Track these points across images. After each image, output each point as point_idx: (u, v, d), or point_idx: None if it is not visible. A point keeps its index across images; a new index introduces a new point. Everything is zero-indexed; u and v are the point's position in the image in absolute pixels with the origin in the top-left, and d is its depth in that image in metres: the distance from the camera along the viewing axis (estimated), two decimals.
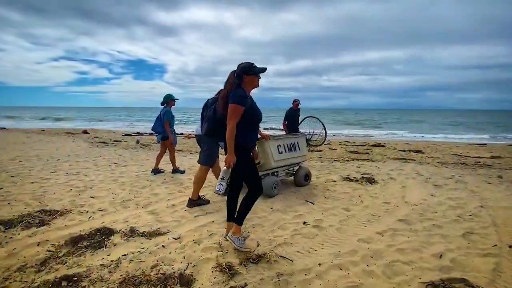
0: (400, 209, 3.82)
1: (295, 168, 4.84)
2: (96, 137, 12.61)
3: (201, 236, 2.83)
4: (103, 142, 10.61)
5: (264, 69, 2.47)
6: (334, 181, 5.25)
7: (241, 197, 2.65)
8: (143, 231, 2.86)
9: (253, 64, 2.45)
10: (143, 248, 2.55)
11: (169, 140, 5.25)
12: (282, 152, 4.28)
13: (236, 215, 2.53)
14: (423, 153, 9.84)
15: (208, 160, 3.64)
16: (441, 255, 2.64)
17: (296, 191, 4.55)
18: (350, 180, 5.33)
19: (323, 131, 5.77)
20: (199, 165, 3.67)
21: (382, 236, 3.02)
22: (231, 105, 2.31)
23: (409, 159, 8.26)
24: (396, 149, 10.65)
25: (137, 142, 10.82)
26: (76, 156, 7.27)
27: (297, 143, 4.61)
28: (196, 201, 3.64)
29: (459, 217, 3.58)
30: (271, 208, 3.69)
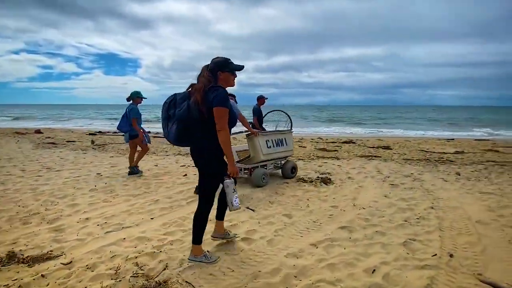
0: (346, 214, 3.52)
1: (283, 162, 5.20)
2: (48, 138, 11.71)
3: (99, 260, 2.39)
4: (52, 143, 9.80)
5: (241, 67, 2.26)
6: (287, 182, 4.92)
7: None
8: (27, 256, 2.38)
9: (229, 60, 2.23)
10: (15, 279, 2.07)
11: (140, 137, 4.94)
12: (270, 147, 4.66)
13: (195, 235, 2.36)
14: (391, 149, 9.76)
15: None
16: (374, 270, 2.34)
17: (243, 195, 4.17)
18: (304, 181, 5.02)
19: (289, 121, 5.84)
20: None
21: (316, 248, 2.69)
22: (219, 108, 2.07)
23: (375, 156, 8.11)
24: (365, 146, 10.54)
25: (92, 142, 10.09)
26: (7, 160, 6.52)
27: (284, 139, 5.01)
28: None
29: (405, 221, 3.33)
30: None
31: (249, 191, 4.40)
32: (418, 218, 3.41)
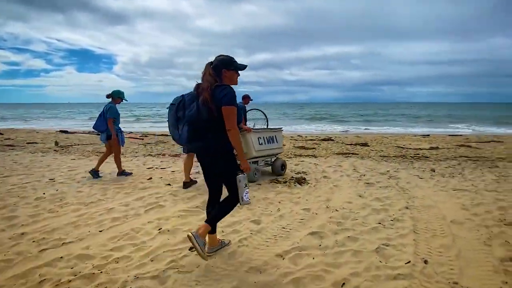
0: (318, 218, 3.29)
1: (273, 159, 5.27)
2: (8, 139, 10.83)
3: (23, 286, 2.00)
4: (10, 145, 9.02)
5: (245, 66, 2.28)
6: (259, 184, 4.64)
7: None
8: None
9: (233, 58, 2.24)
10: None
11: (113, 139, 4.71)
12: (262, 144, 4.83)
13: (211, 217, 2.32)
14: (368, 146, 9.74)
15: None
16: (343, 284, 2.10)
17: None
18: (278, 182, 4.77)
19: (265, 119, 6.36)
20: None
21: (283, 259, 2.43)
22: (228, 107, 2.06)
23: (353, 154, 8.02)
24: (343, 143, 10.49)
25: (56, 144, 9.39)
26: None
27: (275, 136, 5.16)
28: (189, 183, 4.33)
29: (379, 223, 3.14)
30: (159, 230, 2.93)
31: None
32: (392, 220, 3.23)
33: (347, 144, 10.16)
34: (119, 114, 4.86)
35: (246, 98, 6.31)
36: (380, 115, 38.38)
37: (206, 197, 3.93)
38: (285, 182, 4.74)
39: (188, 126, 2.11)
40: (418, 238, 2.79)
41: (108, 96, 4.83)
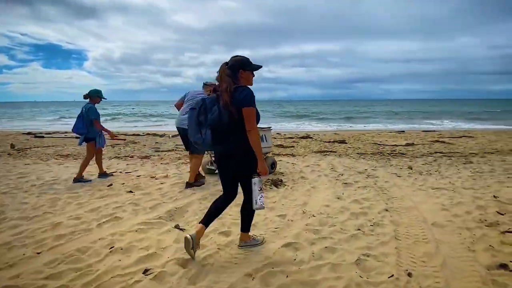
0: (294, 225, 3.01)
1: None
2: None
3: None
4: None
5: (260, 67, 2.28)
6: None
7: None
8: None
9: (249, 59, 2.23)
10: None
11: (111, 135, 4.60)
12: None
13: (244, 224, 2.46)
14: (346, 143, 9.69)
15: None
16: None
17: (175, 208, 3.46)
18: None
19: None
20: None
21: (253, 279, 2.12)
22: (249, 109, 2.07)
23: (331, 151, 7.89)
24: (322, 141, 10.37)
25: (12, 146, 8.54)
26: None
27: (264, 135, 5.05)
28: (194, 183, 4.21)
29: (359, 229, 2.91)
30: (111, 249, 2.52)
31: (186, 201, 3.70)
32: (372, 225, 3.01)
33: (326, 142, 10.06)
34: (99, 114, 4.62)
35: None
36: (358, 112, 39.17)
37: (171, 205, 3.59)
38: None
39: (211, 130, 2.09)
40: (400, 246, 2.58)
41: (85, 97, 4.58)
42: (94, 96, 4.60)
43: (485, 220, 3.14)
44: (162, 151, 8.04)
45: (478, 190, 4.20)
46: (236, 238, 2.69)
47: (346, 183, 4.61)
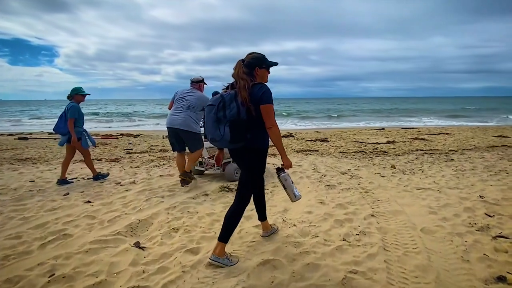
0: (272, 238, 2.68)
1: None
2: None
3: None
4: None
5: (275, 63, 2.28)
6: (206, 194, 3.91)
7: None
8: None
9: (265, 56, 2.23)
10: None
11: (73, 141, 4.30)
12: None
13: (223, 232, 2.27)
14: (328, 141, 9.52)
15: (199, 146, 4.13)
16: None
17: (130, 225, 3.02)
18: (229, 190, 4.09)
19: None
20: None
21: None
22: (268, 106, 2.08)
23: (313, 150, 7.66)
24: (304, 139, 10.15)
25: None
26: None
27: None
28: (189, 174, 4.10)
29: (344, 240, 2.62)
30: (50, 277, 2.07)
31: (152, 212, 3.27)
32: (358, 234, 2.73)
33: (308, 140, 9.85)
34: (82, 114, 4.47)
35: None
36: (339, 110, 39.58)
37: (134, 217, 3.13)
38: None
39: (230, 127, 2.05)
40: (389, 259, 2.31)
41: (69, 97, 4.46)
42: (74, 94, 4.43)
43: (475, 224, 2.95)
44: (134, 153, 7.49)
45: (463, 190, 4.05)
46: (204, 258, 2.32)
47: (329, 185, 4.34)
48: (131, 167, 5.62)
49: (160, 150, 7.94)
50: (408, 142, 9.01)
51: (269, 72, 2.27)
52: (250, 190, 2.30)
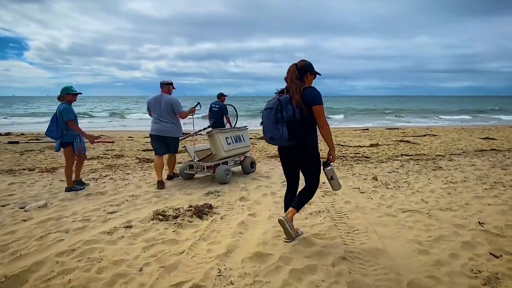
0: None
1: (242, 158, 5.17)
2: None
3: None
4: None
5: (319, 73, 2.57)
6: (130, 226, 2.96)
7: None
8: None
9: (312, 64, 2.52)
10: None
11: (90, 140, 4.21)
12: (230, 143, 4.73)
13: (294, 204, 2.56)
14: None
15: (177, 148, 4.67)
16: None
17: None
18: (163, 218, 3.14)
19: (235, 116, 7.05)
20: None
21: None
22: (319, 107, 2.38)
23: None
24: None
25: None
26: None
27: (242, 135, 5.08)
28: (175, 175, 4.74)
29: None
30: None
31: (32, 259, 2.31)
32: None
33: None
34: (75, 115, 4.15)
35: (222, 97, 6.86)
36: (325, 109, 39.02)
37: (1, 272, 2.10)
38: (175, 217, 3.14)
39: (287, 126, 2.32)
40: None
41: (59, 98, 4.15)
42: (64, 94, 4.10)
43: (479, 272, 2.17)
44: None
45: (457, 212, 3.30)
46: None
47: None
48: (61, 180, 4.60)
49: (116, 155, 6.92)
50: (393, 145, 8.34)
51: (314, 78, 2.56)
52: (317, 181, 2.57)
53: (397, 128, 14.17)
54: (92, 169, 5.44)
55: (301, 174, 2.64)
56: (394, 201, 3.69)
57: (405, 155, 6.83)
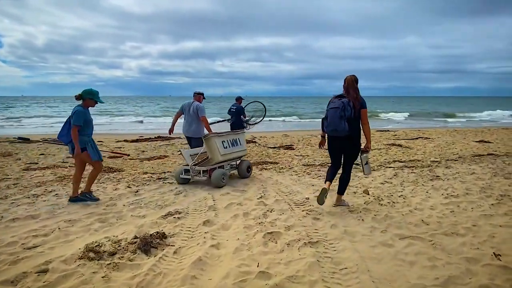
0: None
1: (238, 162, 5.11)
2: None
3: None
4: None
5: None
6: (43, 272, 2.22)
7: None
8: None
9: None
10: None
11: (76, 153, 3.61)
12: (226, 147, 4.74)
13: (339, 191, 3.57)
14: (294, 149, 8.14)
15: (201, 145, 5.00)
16: None
17: None
18: (96, 254, 2.42)
19: (263, 111, 7.23)
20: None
21: None
22: (366, 110, 3.30)
23: (272, 163, 6.25)
24: (266, 146, 8.73)
25: None
26: None
27: (238, 139, 5.04)
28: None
29: None
30: None
31: None
32: None
33: (270, 147, 8.41)
34: (91, 120, 3.79)
35: (241, 99, 7.19)
36: (314, 110, 38.62)
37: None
38: (112, 253, 2.43)
39: (348, 122, 3.19)
40: None
41: (77, 97, 3.75)
42: (87, 98, 3.69)
43: None
44: (36, 168, 5.64)
45: (465, 238, 2.73)
46: None
47: (270, 232, 2.84)
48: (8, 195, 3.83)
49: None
50: (384, 150, 7.79)
51: None
52: (352, 165, 3.53)
53: (388, 131, 13.70)
54: (39, 182, 4.67)
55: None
56: (389, 222, 3.07)
57: (398, 161, 6.28)
